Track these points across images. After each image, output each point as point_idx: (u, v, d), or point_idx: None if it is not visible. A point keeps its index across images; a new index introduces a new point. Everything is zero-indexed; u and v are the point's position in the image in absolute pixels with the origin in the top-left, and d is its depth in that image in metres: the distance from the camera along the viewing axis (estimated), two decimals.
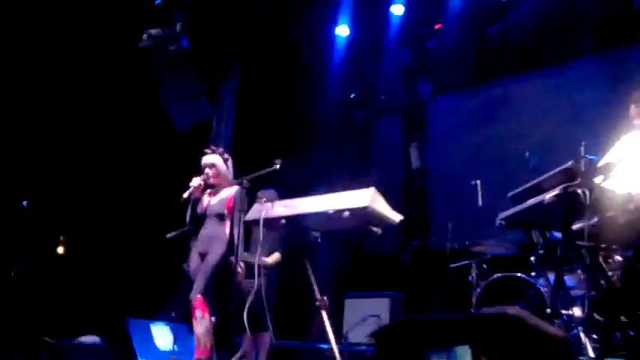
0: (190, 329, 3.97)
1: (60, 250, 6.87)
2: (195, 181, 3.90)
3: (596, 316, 2.92)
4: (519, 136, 5.94)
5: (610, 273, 2.73)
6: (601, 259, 2.76)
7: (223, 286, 3.84)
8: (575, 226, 2.82)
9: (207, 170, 3.96)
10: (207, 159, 4.01)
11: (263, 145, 6.58)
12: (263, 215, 3.18)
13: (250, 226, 3.42)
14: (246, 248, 4.10)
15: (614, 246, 2.80)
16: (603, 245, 2.73)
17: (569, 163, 2.75)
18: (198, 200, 3.92)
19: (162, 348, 4.84)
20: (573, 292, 3.31)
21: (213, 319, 3.70)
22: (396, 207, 3.09)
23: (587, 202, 2.53)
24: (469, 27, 6.76)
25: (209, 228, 3.85)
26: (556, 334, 1.66)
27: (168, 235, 4.13)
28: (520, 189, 3.05)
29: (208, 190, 4.00)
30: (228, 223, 3.83)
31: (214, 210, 3.87)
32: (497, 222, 3.11)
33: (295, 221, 3.15)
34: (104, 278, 6.57)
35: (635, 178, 2.70)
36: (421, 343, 1.84)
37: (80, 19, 6.21)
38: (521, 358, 1.61)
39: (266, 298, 3.84)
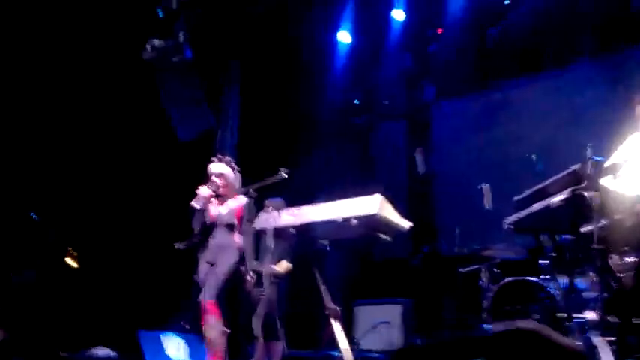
0: (201, 339, 3.98)
1: (70, 262, 6.89)
2: (205, 191, 3.90)
3: (609, 318, 2.90)
4: (522, 139, 5.95)
5: (622, 274, 2.72)
6: (611, 261, 2.75)
7: (234, 295, 3.85)
8: (583, 229, 2.82)
9: (215, 179, 3.96)
10: (215, 168, 4.01)
11: (267, 152, 6.60)
12: (272, 224, 3.19)
13: (259, 235, 3.43)
14: (256, 257, 4.11)
15: (625, 248, 2.79)
16: (612, 248, 2.72)
17: (576, 166, 2.75)
18: (205, 210, 3.93)
19: (174, 358, 4.86)
20: (585, 295, 3.29)
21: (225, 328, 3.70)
22: (402, 212, 3.10)
23: (595, 206, 2.52)
24: (470, 30, 6.77)
25: (219, 237, 3.87)
26: (571, 346, 1.65)
27: (177, 246, 4.15)
28: (526, 193, 3.05)
29: (215, 200, 4.00)
30: (237, 233, 3.85)
31: (224, 220, 3.88)
32: (506, 226, 3.12)
33: (303, 230, 3.16)
34: (115, 290, 6.59)
35: None
36: None
37: (86, 32, 6.27)
38: None
39: (276, 307, 3.86)
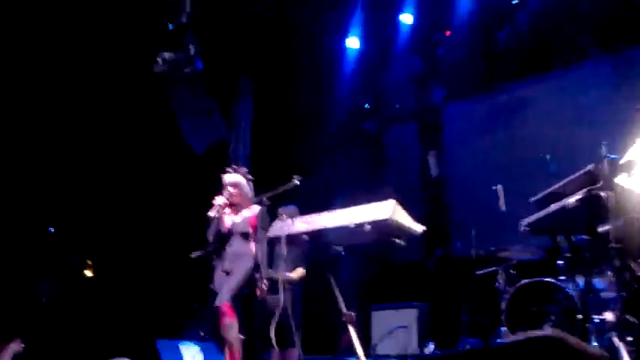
0: (217, 347, 4.00)
1: (88, 273, 6.97)
2: (220, 201, 3.95)
3: (629, 318, 2.86)
4: (536, 139, 5.92)
5: None
6: (629, 260, 2.71)
7: (249, 302, 3.87)
8: (600, 229, 2.79)
9: (230, 189, 4.00)
10: (230, 178, 4.06)
11: (279, 160, 6.64)
12: (285, 231, 3.21)
13: (273, 243, 3.45)
14: (270, 265, 4.13)
15: None
16: (630, 247, 2.68)
17: (591, 165, 2.72)
18: (220, 219, 3.98)
19: None
20: (603, 295, 3.25)
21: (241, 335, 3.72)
22: (415, 215, 3.09)
23: (611, 205, 2.50)
24: (477, 32, 6.78)
25: (235, 246, 3.91)
26: (596, 355, 1.61)
27: (193, 255, 4.18)
28: (542, 194, 3.02)
29: (229, 209, 4.04)
30: (252, 241, 3.88)
31: (239, 228, 3.92)
32: (522, 228, 3.09)
33: (317, 236, 3.18)
34: (132, 300, 6.65)
35: None
36: None
37: (98, 46, 6.37)
38: None
39: (292, 313, 3.87)
